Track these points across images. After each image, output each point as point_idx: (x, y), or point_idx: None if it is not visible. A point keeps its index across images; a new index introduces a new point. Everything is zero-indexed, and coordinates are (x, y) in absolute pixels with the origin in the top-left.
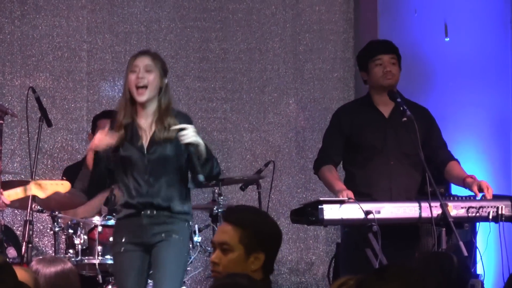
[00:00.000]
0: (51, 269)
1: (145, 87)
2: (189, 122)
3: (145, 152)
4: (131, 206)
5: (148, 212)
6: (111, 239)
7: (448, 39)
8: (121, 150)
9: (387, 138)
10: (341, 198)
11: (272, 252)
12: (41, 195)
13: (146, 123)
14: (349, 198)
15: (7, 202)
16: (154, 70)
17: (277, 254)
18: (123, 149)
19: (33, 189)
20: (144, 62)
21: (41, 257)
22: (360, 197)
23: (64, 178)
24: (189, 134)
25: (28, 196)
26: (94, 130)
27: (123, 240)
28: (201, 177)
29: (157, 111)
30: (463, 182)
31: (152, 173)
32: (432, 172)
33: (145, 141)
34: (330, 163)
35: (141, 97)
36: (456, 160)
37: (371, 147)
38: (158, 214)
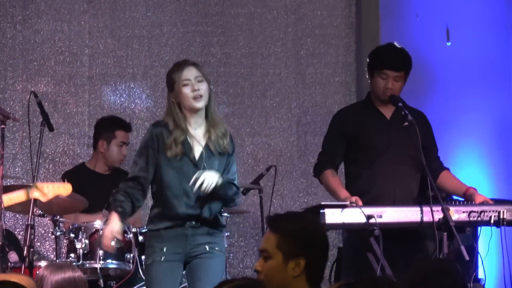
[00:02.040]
0: (58, 276)
1: (201, 96)
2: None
3: (197, 164)
4: (176, 217)
5: (193, 223)
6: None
7: (449, 43)
8: (172, 161)
9: (391, 140)
10: (343, 203)
11: (315, 257)
12: (43, 198)
13: (197, 133)
14: (350, 203)
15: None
16: (204, 79)
17: (325, 261)
18: (175, 161)
19: (35, 193)
20: (194, 73)
21: (50, 263)
22: (364, 197)
23: (66, 181)
24: (209, 184)
25: (30, 200)
26: (109, 138)
27: (165, 249)
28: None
29: (208, 119)
30: (464, 194)
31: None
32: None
33: (197, 152)
34: (331, 166)
35: (199, 103)
36: (447, 169)
37: (375, 148)
38: (202, 226)
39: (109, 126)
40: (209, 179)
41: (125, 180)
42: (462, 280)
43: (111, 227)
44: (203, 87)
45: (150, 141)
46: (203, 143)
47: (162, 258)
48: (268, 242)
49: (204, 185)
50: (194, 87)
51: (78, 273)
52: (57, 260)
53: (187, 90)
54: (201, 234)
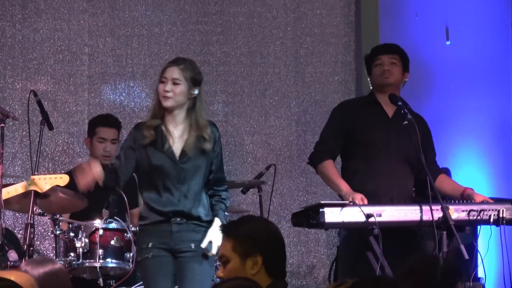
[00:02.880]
0: (39, 270)
1: (169, 97)
2: (218, 131)
3: (178, 161)
4: (161, 213)
5: (178, 219)
6: (112, 242)
7: (449, 42)
8: (151, 157)
9: (390, 137)
10: (342, 202)
11: (271, 252)
12: (41, 189)
13: (177, 130)
14: (350, 202)
15: None
16: (181, 82)
17: (283, 255)
18: (153, 157)
19: (33, 184)
20: (172, 74)
21: (30, 259)
22: (363, 193)
23: (63, 172)
24: (215, 247)
25: (29, 196)
26: (91, 135)
27: (150, 245)
28: None
29: (191, 120)
30: (462, 194)
31: (185, 182)
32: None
33: (176, 148)
34: (329, 157)
35: (166, 102)
36: (446, 170)
37: (373, 144)
38: (187, 222)
39: (92, 124)
40: (216, 240)
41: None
42: (442, 272)
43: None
44: (176, 90)
45: (128, 140)
46: (181, 142)
47: (150, 255)
48: (224, 248)
49: (214, 250)
50: (166, 88)
51: (58, 265)
52: (57, 259)
53: (160, 87)
54: (186, 231)
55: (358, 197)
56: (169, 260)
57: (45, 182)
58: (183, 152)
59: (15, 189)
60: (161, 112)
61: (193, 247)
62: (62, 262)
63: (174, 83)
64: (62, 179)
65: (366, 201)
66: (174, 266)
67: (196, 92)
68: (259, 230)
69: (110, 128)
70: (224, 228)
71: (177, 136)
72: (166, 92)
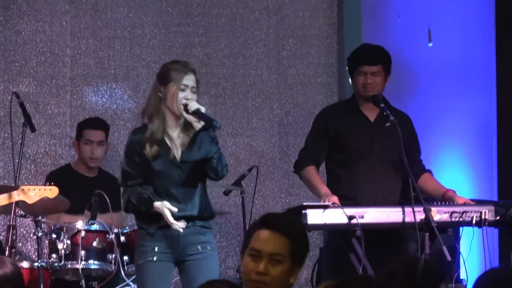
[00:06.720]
0: None
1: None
2: None
3: (179, 164)
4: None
5: (184, 223)
6: (94, 243)
7: (431, 44)
8: (154, 164)
9: (373, 143)
10: (325, 203)
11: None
12: (29, 201)
13: (175, 133)
14: (333, 203)
15: None
16: (196, 90)
17: None
18: (156, 163)
19: (20, 195)
20: (192, 82)
21: None
22: (345, 200)
23: (52, 184)
24: (194, 101)
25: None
26: (79, 138)
27: (156, 249)
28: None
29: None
30: (443, 196)
31: (186, 184)
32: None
33: (176, 153)
34: (313, 163)
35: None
36: (428, 171)
37: (357, 150)
38: (193, 225)
39: (79, 127)
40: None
41: (129, 189)
42: (422, 274)
43: (162, 206)
44: (194, 99)
45: (131, 148)
46: (180, 145)
47: (155, 258)
48: (281, 247)
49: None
50: (188, 96)
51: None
52: (39, 261)
53: (181, 95)
54: (192, 234)
55: (332, 199)
56: (171, 266)
57: (34, 193)
58: (182, 154)
59: (3, 199)
60: (164, 119)
61: (200, 249)
62: (44, 264)
63: (193, 92)
64: (52, 191)
65: (338, 203)
66: (173, 272)
67: None
68: (308, 243)
69: (96, 130)
70: (283, 225)
71: (177, 139)
72: (189, 100)
